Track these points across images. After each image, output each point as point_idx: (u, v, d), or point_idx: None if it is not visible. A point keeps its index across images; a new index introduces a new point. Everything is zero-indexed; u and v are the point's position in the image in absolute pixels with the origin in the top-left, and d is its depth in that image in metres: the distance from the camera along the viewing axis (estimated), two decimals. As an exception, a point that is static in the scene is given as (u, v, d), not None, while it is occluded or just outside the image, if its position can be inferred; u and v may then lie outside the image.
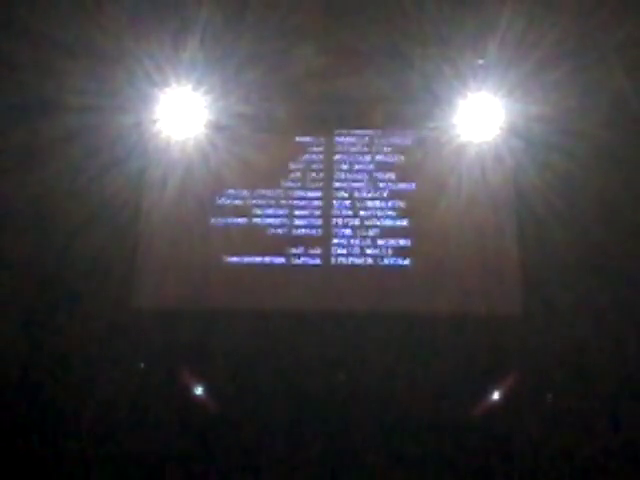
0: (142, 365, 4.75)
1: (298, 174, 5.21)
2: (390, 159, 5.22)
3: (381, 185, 5.17)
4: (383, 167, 5.22)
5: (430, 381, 4.54)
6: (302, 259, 5.03)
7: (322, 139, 5.28)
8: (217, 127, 5.02)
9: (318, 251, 5.04)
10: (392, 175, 5.19)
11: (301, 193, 5.17)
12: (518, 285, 4.87)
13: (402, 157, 5.22)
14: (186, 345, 4.73)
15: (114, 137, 4.89)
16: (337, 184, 5.20)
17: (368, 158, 5.24)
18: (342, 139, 5.29)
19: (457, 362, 4.61)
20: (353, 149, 5.27)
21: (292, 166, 5.23)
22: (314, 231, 5.09)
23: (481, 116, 4.91)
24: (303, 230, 5.10)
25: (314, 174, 5.22)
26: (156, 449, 4.34)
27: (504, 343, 4.69)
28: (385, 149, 5.23)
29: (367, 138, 5.28)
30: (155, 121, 4.95)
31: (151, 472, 4.29)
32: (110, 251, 4.82)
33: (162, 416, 4.47)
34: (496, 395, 4.62)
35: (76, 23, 4.36)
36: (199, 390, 4.70)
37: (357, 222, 5.10)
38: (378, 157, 5.23)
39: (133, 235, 5.00)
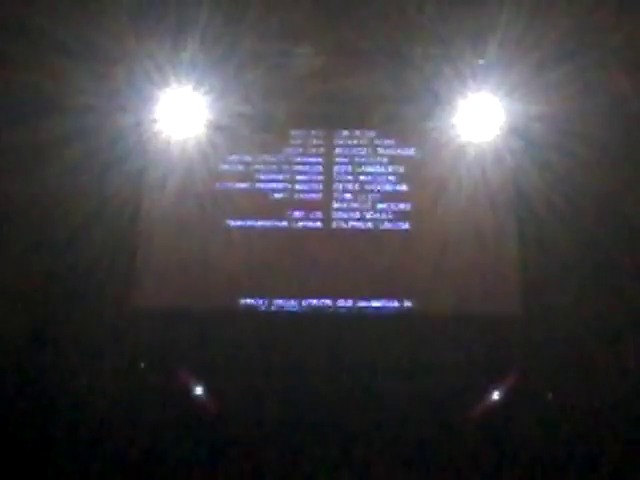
0: (142, 365, 4.76)
1: (299, 140, 5.29)
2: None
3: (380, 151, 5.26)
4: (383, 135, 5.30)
5: (427, 381, 4.55)
6: (303, 223, 5.08)
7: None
8: (217, 127, 5.03)
9: (319, 215, 5.09)
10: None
11: (302, 158, 5.25)
12: (518, 285, 4.87)
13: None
14: (186, 345, 4.73)
15: (114, 137, 4.89)
16: (338, 150, 5.29)
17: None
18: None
19: (455, 362, 4.61)
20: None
21: (294, 133, 5.30)
22: (315, 195, 5.15)
23: (481, 116, 4.92)
24: (304, 194, 5.16)
25: (315, 140, 5.30)
26: (156, 449, 4.35)
27: (503, 343, 4.69)
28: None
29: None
30: (155, 121, 4.95)
31: (150, 472, 4.29)
32: (110, 251, 4.82)
33: (162, 416, 4.47)
34: (496, 395, 4.62)
35: (76, 23, 4.36)
36: (199, 390, 4.71)
37: (357, 186, 5.18)
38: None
39: (133, 235, 5.00)
